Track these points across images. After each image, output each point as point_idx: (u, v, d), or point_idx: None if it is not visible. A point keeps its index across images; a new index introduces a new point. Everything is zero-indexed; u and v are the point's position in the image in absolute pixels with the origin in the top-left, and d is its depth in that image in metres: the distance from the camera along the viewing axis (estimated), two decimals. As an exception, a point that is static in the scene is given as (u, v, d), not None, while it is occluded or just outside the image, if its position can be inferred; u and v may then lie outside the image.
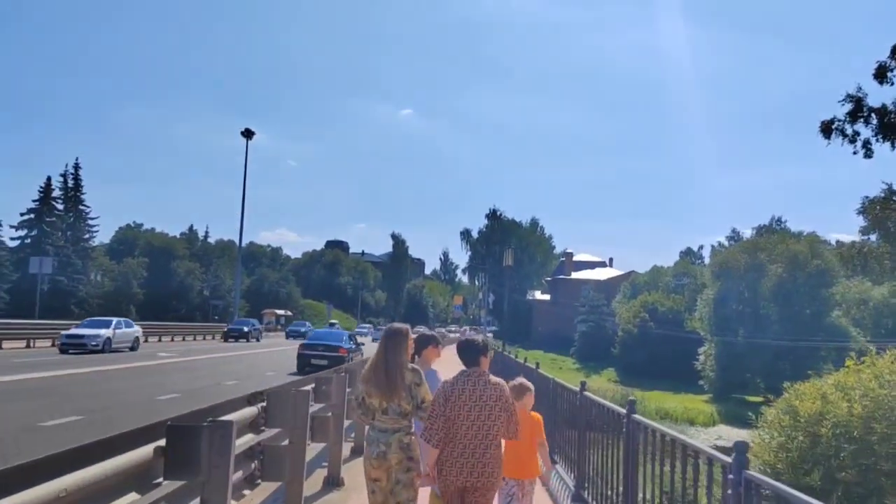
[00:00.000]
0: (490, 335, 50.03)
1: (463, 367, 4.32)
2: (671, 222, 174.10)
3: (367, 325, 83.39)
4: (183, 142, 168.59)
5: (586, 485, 6.29)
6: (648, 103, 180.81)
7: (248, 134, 51.07)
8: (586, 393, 6.54)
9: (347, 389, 7.73)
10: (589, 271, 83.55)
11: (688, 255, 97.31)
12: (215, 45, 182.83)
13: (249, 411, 5.01)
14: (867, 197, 19.26)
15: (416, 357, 5.29)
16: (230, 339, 42.09)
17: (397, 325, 4.72)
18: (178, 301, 74.03)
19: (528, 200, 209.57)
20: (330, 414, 7.20)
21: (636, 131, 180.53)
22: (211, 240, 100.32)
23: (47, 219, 64.33)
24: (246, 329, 43.93)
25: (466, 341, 4.48)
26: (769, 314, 47.88)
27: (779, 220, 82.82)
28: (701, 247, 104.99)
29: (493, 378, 4.31)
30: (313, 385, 6.94)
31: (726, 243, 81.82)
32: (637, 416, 4.84)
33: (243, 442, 4.68)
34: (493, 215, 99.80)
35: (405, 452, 4.33)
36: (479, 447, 4.15)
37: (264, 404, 5.33)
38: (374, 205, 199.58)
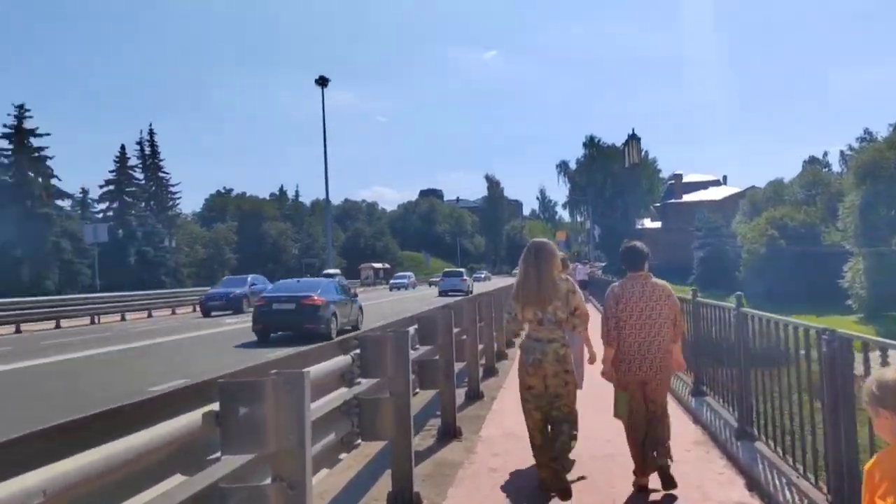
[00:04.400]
0: (599, 271, 48.89)
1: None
2: (784, 133, 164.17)
3: (409, 274, 68.84)
4: (270, 110, 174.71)
5: (705, 380, 7.19)
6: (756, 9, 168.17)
7: (322, 81, 51.54)
8: (698, 298, 7.46)
9: (455, 329, 7.15)
10: (702, 192, 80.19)
11: (812, 163, 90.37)
12: (292, 10, 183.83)
13: (336, 361, 4.21)
14: None
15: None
16: (212, 314, 26.81)
17: (539, 240, 5.21)
18: (273, 263, 76.47)
19: (625, 128, 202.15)
20: (437, 357, 6.48)
21: (739, 42, 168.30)
22: (304, 200, 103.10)
23: (127, 189, 65.10)
24: (238, 291, 27.97)
25: (631, 247, 5.13)
26: (926, 216, 44.43)
27: (920, 112, 74.96)
28: (826, 153, 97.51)
29: (656, 280, 4.98)
30: (415, 326, 6.44)
31: (857, 146, 75.31)
32: (745, 309, 5.55)
33: (329, 399, 3.90)
34: (591, 143, 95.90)
35: (561, 365, 4.87)
36: (653, 343, 4.81)
37: (358, 352, 4.53)
38: (468, 151, 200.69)
